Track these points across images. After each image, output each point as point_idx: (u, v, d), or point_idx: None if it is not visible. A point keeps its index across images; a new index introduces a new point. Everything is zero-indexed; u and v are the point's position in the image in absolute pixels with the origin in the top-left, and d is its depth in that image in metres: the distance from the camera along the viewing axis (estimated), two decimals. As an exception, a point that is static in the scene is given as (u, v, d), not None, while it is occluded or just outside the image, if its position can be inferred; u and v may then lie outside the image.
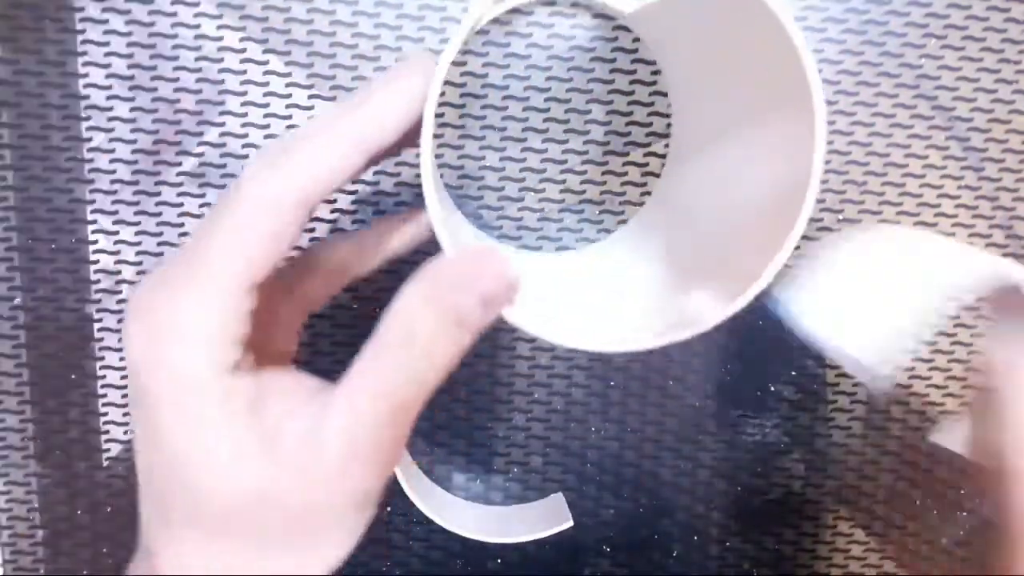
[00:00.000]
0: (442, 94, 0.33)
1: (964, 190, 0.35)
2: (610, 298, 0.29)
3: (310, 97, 0.33)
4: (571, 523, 0.34)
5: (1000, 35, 0.33)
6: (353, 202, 0.34)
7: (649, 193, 0.34)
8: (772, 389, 0.36)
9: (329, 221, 0.34)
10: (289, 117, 0.33)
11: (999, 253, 0.35)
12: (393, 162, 0.33)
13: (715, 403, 0.36)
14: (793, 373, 0.36)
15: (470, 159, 0.34)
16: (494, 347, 0.35)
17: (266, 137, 0.33)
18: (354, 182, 0.33)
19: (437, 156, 0.34)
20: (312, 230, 0.34)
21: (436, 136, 0.33)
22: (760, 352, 0.36)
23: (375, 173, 0.33)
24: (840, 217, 0.35)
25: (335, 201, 0.33)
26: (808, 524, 0.38)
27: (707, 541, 0.37)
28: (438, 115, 0.33)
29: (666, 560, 0.38)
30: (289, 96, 0.33)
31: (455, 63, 0.33)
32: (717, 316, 0.24)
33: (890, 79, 0.34)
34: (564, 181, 0.34)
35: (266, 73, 0.32)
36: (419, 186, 0.34)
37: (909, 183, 0.34)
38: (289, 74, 0.32)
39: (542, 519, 0.35)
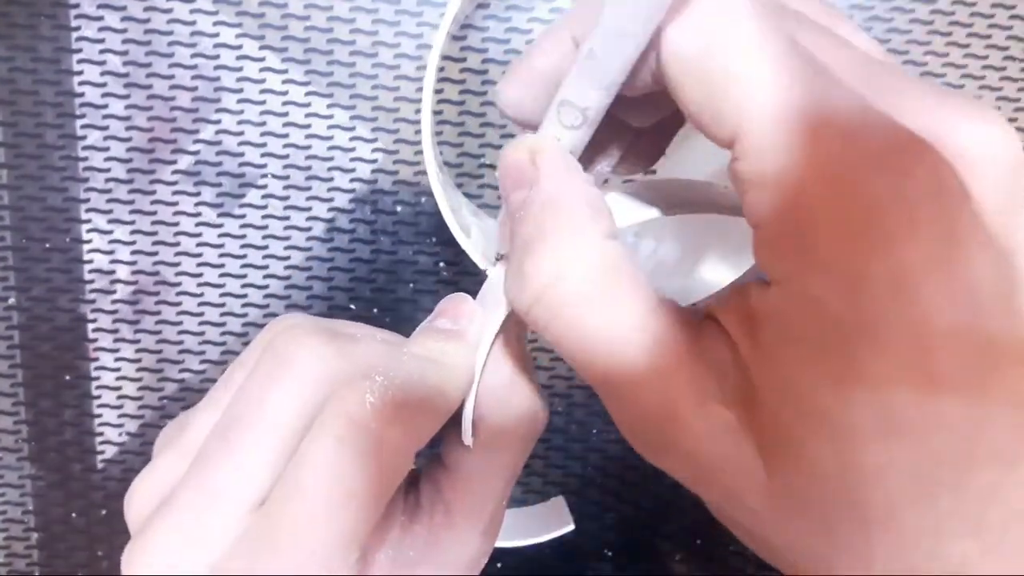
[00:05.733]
0: (440, 91, 0.33)
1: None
2: None
3: (307, 94, 0.32)
4: (572, 526, 0.34)
5: (1005, 32, 0.33)
6: (351, 200, 0.33)
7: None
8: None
9: (327, 220, 0.33)
10: (286, 114, 0.32)
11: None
12: (392, 160, 0.33)
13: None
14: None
15: (469, 157, 0.33)
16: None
17: (263, 135, 0.32)
18: (352, 180, 0.33)
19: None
20: (309, 229, 0.33)
21: (435, 134, 0.33)
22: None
23: (373, 172, 0.33)
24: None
25: (333, 200, 0.33)
26: (812, 527, 0.37)
27: (710, 545, 0.37)
28: (437, 112, 0.33)
29: (669, 564, 0.37)
30: (286, 93, 0.32)
31: (454, 59, 0.32)
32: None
33: (894, 76, 0.33)
34: (565, 179, 0.34)
35: (263, 70, 0.32)
36: (418, 185, 0.33)
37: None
38: (286, 71, 0.32)
39: (543, 522, 0.34)
